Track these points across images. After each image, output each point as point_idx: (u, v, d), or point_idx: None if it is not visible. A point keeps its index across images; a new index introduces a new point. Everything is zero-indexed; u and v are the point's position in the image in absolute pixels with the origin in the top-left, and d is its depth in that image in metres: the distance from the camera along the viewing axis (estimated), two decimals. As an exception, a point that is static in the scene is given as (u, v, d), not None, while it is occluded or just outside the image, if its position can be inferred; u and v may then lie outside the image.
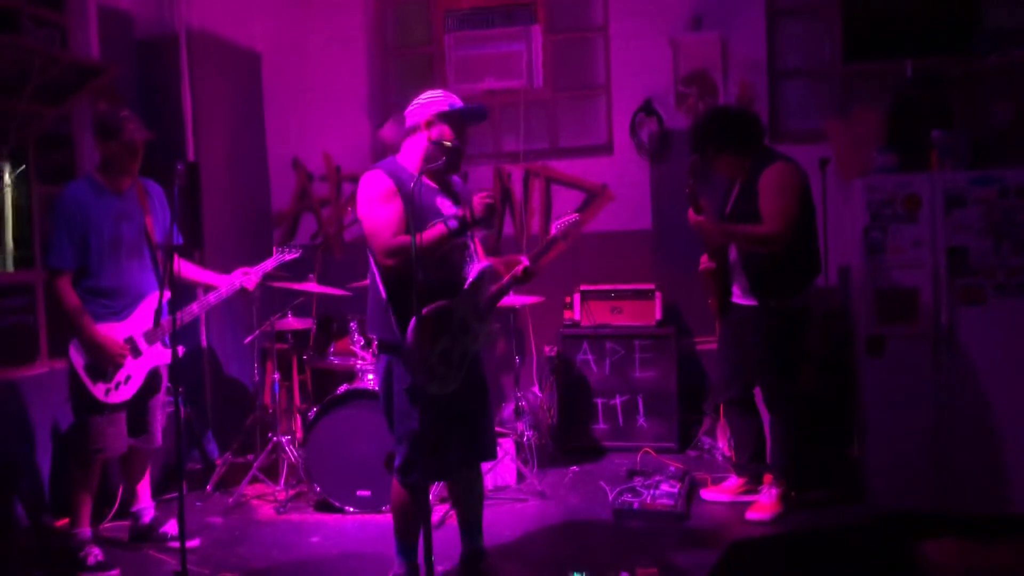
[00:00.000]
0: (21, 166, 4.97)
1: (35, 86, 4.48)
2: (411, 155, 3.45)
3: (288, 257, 4.42)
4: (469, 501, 3.70)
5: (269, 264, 4.33)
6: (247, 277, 4.17)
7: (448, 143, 3.34)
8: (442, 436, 3.33)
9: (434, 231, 3.27)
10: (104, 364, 3.88)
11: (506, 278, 3.53)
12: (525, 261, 3.52)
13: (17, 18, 4.67)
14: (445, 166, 3.34)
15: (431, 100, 3.44)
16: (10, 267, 5.16)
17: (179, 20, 5.67)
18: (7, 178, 5.14)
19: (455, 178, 3.63)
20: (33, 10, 4.75)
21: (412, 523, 3.46)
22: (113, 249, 3.95)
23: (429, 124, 3.41)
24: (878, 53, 5.82)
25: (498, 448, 4.77)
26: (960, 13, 5.63)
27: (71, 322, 3.87)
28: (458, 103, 3.45)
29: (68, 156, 5.11)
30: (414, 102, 3.48)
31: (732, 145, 4.27)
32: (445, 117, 3.40)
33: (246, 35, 6.38)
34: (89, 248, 3.90)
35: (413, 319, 3.14)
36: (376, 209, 3.34)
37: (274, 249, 4.44)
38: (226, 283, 4.15)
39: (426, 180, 3.36)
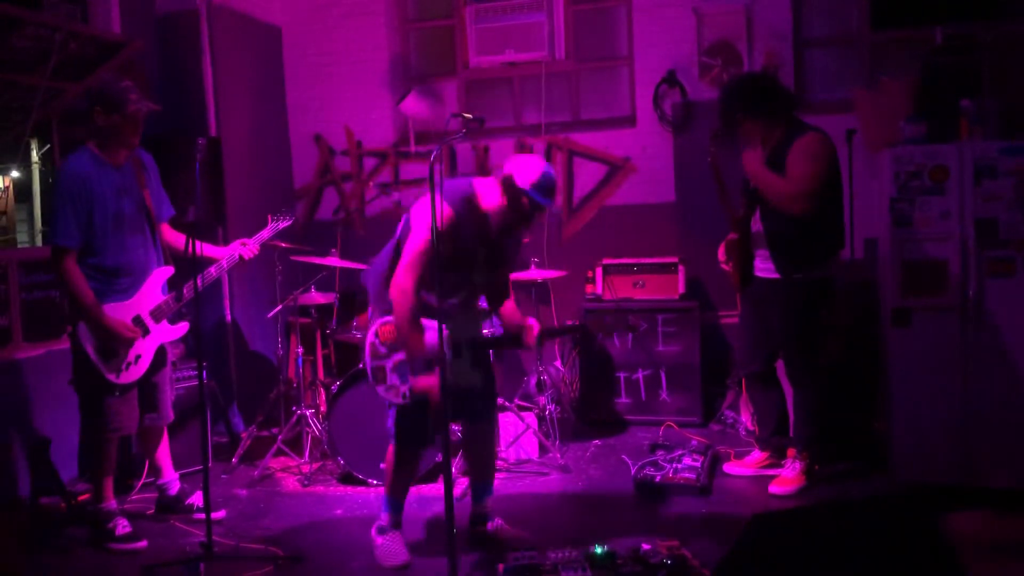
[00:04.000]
0: (47, 144, 5.01)
1: (57, 62, 4.49)
2: (490, 196, 3.49)
3: (282, 225, 4.46)
4: (478, 463, 3.84)
5: (265, 233, 4.37)
6: (245, 248, 4.18)
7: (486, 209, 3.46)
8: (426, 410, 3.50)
9: (412, 338, 3.41)
10: (116, 346, 3.85)
11: (504, 335, 3.74)
12: (535, 330, 3.66)
13: (38, -7, 4.69)
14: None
15: (529, 170, 3.42)
16: (39, 242, 5.22)
17: (199, -6, 5.67)
18: (34, 155, 5.18)
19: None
20: (54, -14, 4.77)
21: (400, 482, 3.71)
22: (116, 225, 3.86)
23: (510, 187, 3.43)
24: (907, 20, 5.69)
25: (519, 422, 4.84)
26: (992, -23, 5.49)
27: (79, 305, 3.78)
28: (541, 189, 3.41)
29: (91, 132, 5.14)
30: (520, 161, 3.47)
31: (763, 109, 4.18)
32: (519, 191, 3.41)
33: (266, 9, 6.37)
34: (94, 224, 3.80)
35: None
36: (419, 243, 3.41)
37: (268, 218, 4.47)
38: (226, 255, 4.15)
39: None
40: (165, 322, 4.04)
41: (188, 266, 3.75)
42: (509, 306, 3.78)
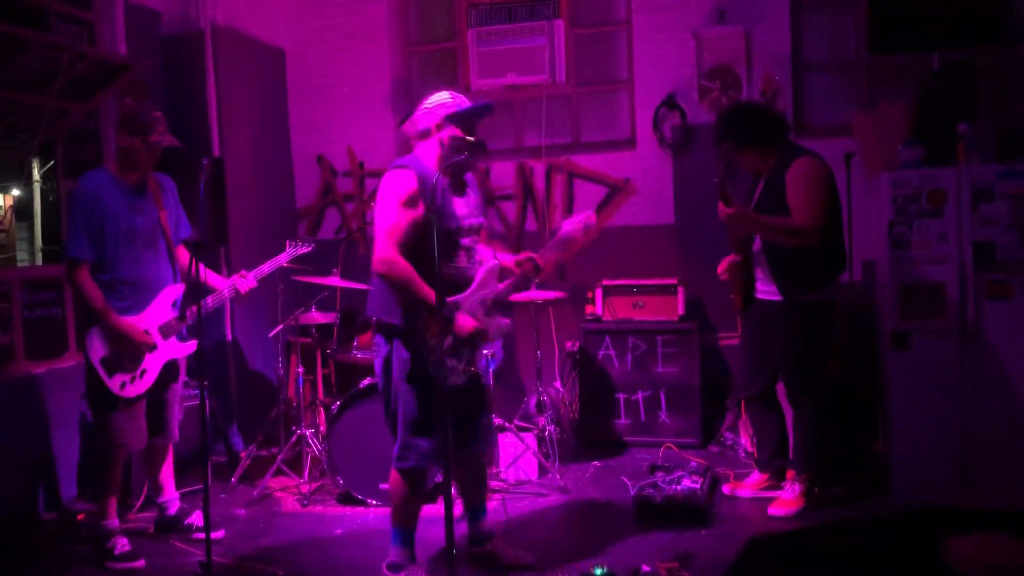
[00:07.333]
0: (50, 162, 5.04)
1: (63, 82, 4.54)
2: (428, 157, 3.52)
3: (301, 250, 4.50)
4: (472, 484, 3.82)
5: (282, 258, 4.43)
6: (243, 281, 4.21)
7: (470, 138, 3.39)
8: (439, 422, 3.34)
9: (420, 292, 3.30)
10: (128, 354, 3.90)
11: (516, 275, 3.63)
12: (537, 259, 3.62)
13: (45, 15, 4.73)
14: (466, 161, 3.43)
15: (439, 104, 3.51)
16: (39, 261, 5.24)
17: (204, 16, 5.73)
18: (35, 174, 5.22)
19: (469, 176, 3.69)
20: (61, 7, 4.81)
21: (411, 510, 3.58)
22: (128, 241, 3.95)
23: (439, 127, 3.49)
24: (904, 45, 5.75)
25: (519, 442, 4.84)
26: (988, 3, 5.55)
27: (94, 312, 3.87)
28: (465, 103, 3.51)
29: (95, 151, 5.18)
30: (422, 106, 3.55)
31: (753, 142, 4.23)
32: (454, 119, 3.47)
33: (270, 31, 6.43)
34: (105, 239, 3.90)
35: (422, 312, 3.30)
36: (391, 211, 3.39)
37: (287, 243, 4.53)
38: (226, 286, 4.20)
39: (444, 182, 3.45)
40: (174, 339, 4.07)
41: (191, 288, 3.79)
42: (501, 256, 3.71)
